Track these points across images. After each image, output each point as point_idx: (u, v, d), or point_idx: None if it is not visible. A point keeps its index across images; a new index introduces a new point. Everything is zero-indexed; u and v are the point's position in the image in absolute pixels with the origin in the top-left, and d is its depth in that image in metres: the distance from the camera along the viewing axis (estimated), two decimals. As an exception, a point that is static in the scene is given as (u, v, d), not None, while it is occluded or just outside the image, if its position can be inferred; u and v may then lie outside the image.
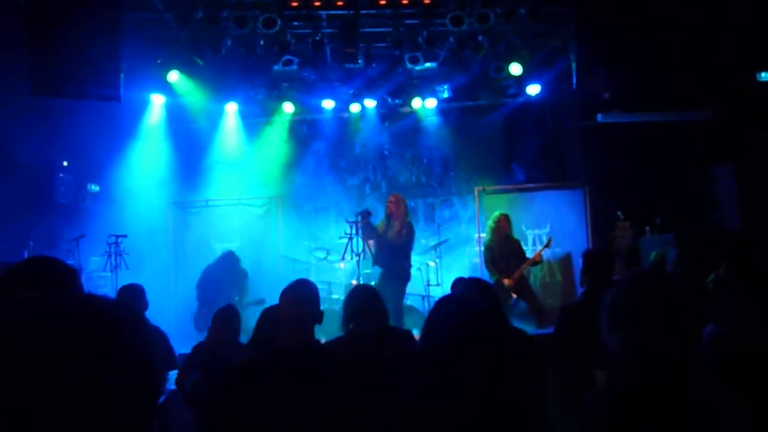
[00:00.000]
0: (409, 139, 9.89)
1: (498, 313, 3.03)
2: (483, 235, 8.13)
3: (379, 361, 3.09)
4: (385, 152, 10.00)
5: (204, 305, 7.31)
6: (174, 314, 7.94)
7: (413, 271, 8.08)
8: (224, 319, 3.87)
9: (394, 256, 6.51)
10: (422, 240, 9.11)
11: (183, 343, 5.55)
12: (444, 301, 2.15)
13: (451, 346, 1.88)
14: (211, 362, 3.62)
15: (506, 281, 6.84)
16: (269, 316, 3.47)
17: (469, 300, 2.18)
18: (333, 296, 7.57)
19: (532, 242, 8.22)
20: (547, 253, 8.06)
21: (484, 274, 7.70)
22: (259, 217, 8.86)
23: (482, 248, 7.22)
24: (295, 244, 8.76)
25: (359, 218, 6.48)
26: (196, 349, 3.98)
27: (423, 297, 7.79)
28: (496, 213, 7.21)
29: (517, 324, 6.82)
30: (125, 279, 5.90)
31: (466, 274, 7.07)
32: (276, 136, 9.63)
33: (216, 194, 8.98)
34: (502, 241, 6.98)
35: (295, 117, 9.56)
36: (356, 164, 10.04)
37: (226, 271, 7.45)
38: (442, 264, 8.37)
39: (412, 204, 9.79)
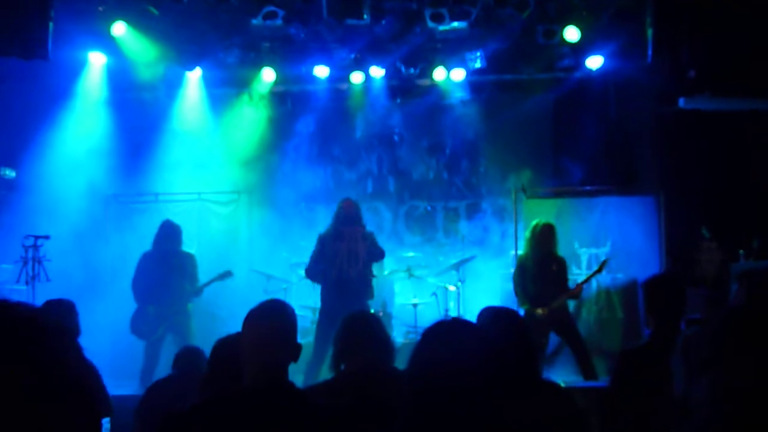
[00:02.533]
0: (428, 122, 9.89)
1: (524, 358, 2.97)
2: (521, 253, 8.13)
3: (378, 413, 3.04)
4: (395, 138, 10.02)
5: (143, 303, 7.43)
6: (110, 343, 7.97)
7: (429, 296, 8.14)
8: (187, 361, 4.05)
9: (360, 273, 6.67)
10: (440, 256, 9.11)
11: (123, 382, 5.58)
12: (437, 331, 2.12)
13: (437, 409, 1.90)
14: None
15: (540, 311, 6.82)
16: (228, 345, 3.47)
17: (479, 335, 2.13)
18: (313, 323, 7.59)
19: (586, 265, 8.20)
20: (605, 280, 7.99)
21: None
22: (225, 218, 8.92)
23: (515, 265, 7.24)
24: (270, 255, 8.80)
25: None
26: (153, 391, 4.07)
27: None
28: (538, 221, 7.21)
29: (555, 374, 6.90)
30: (45, 294, 5.92)
31: (498, 305, 7.05)
32: (251, 112, 9.66)
33: (169, 186, 9.04)
34: (542, 259, 6.98)
35: (277, 88, 9.59)
36: (356, 153, 10.05)
37: (166, 255, 7.52)
38: (466, 289, 8.38)
39: (428, 208, 9.79)
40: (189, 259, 7.61)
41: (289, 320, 2.57)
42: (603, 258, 7.91)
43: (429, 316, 8.15)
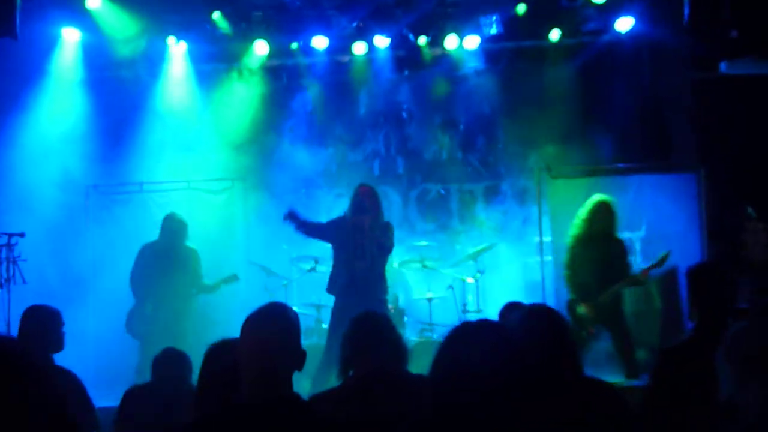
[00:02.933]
0: (440, 96, 9.86)
1: (557, 356, 2.99)
2: (546, 239, 8.10)
3: (389, 422, 3.06)
4: (404, 114, 10.02)
5: (142, 302, 7.56)
6: (93, 348, 8.02)
7: (445, 289, 8.14)
8: (167, 366, 4.11)
9: (371, 269, 6.65)
10: (456, 245, 9.09)
11: (107, 392, 5.60)
12: (467, 331, 2.17)
13: (457, 412, 1.97)
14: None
15: (583, 307, 6.80)
16: (223, 355, 3.48)
17: (505, 337, 2.15)
18: (323, 326, 7.66)
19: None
20: (641, 267, 8.00)
21: (549, 297, 7.70)
22: (217, 208, 8.91)
23: (566, 249, 7.15)
24: (269, 248, 8.81)
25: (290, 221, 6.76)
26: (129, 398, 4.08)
27: (456, 329, 7.83)
28: (597, 198, 7.10)
29: (595, 373, 6.80)
30: (21, 298, 5.96)
31: (521, 298, 7.06)
32: (242, 89, 9.63)
33: (155, 174, 9.03)
34: (597, 242, 6.92)
35: (272, 62, 9.58)
36: (360, 132, 10.05)
37: (169, 249, 7.64)
38: (486, 281, 8.38)
39: (442, 192, 9.78)
40: (192, 254, 7.74)
41: (291, 325, 2.58)
42: (637, 243, 7.90)
43: (445, 312, 8.20)
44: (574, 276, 6.93)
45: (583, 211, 7.06)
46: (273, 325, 2.54)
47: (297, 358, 2.53)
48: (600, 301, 6.82)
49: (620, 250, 7.03)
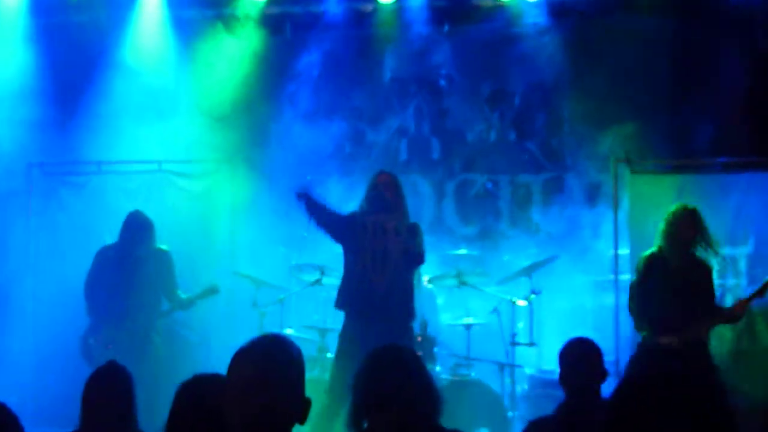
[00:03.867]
0: (489, 60, 9.83)
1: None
2: (624, 252, 8.01)
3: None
4: (441, 83, 10.02)
5: (101, 320, 7.48)
6: (33, 374, 8.02)
7: (488, 313, 8.08)
8: (103, 391, 4.05)
9: (393, 284, 6.56)
10: (505, 256, 9.02)
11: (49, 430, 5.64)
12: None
13: None
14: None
15: (666, 339, 6.67)
16: (199, 400, 3.46)
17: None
18: (329, 355, 7.63)
19: (718, 271, 8.03)
20: (743, 295, 7.90)
21: (624, 326, 7.64)
22: (196, 197, 8.95)
23: (634, 271, 7.10)
24: (260, 251, 8.83)
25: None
26: None
27: (501, 366, 7.82)
28: (677, 206, 6.99)
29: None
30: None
31: (588, 328, 6.96)
32: (232, 45, 9.67)
33: (117, 151, 9.06)
34: (677, 262, 6.83)
35: (270, 9, 9.62)
36: (384, 103, 10.06)
37: (132, 254, 7.57)
38: (542, 305, 8.31)
39: (489, 185, 9.71)
40: (163, 259, 7.65)
41: (292, 367, 2.62)
42: (743, 261, 7.80)
43: (487, 342, 8.16)
44: (642, 311, 6.81)
45: (663, 224, 6.94)
46: (269, 367, 2.55)
47: (299, 408, 2.58)
48: (688, 336, 6.67)
49: (706, 275, 6.91)
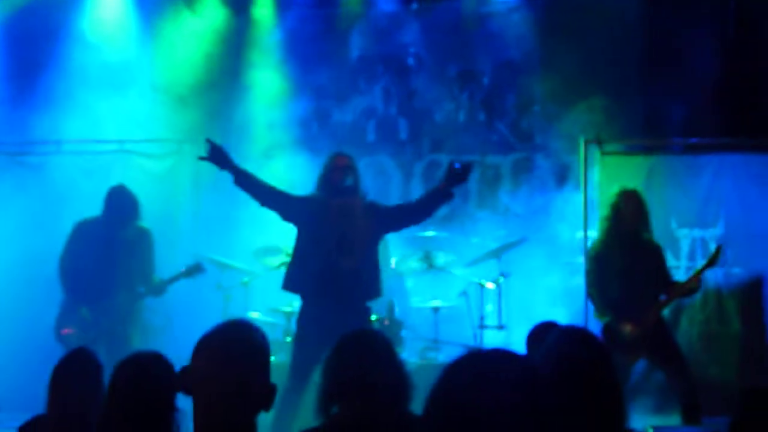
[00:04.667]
0: (458, 39, 9.85)
1: (606, 405, 2.97)
2: (593, 233, 8.05)
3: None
4: (410, 61, 10.02)
5: (77, 299, 7.37)
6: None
7: (456, 296, 8.07)
8: (72, 377, 4.06)
9: (360, 265, 6.53)
10: (474, 238, 9.01)
11: (12, 415, 5.59)
12: (465, 367, 2.02)
13: None
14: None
15: (629, 327, 6.78)
16: (132, 369, 3.52)
17: (528, 377, 2.02)
18: (288, 339, 7.64)
19: (688, 253, 8.20)
20: (715, 277, 7.94)
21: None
22: (159, 178, 8.91)
23: (586, 258, 7.28)
24: (225, 233, 8.79)
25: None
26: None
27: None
28: (619, 188, 7.19)
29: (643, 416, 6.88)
30: None
31: (558, 310, 6.98)
32: (195, 23, 9.62)
33: (77, 131, 8.98)
34: (626, 245, 6.98)
35: (237, -15, 9.60)
36: (351, 82, 10.07)
37: (115, 230, 7.45)
38: (511, 287, 8.35)
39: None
40: (144, 237, 7.56)
41: (257, 353, 2.63)
42: (713, 243, 7.84)
43: (456, 325, 8.27)
44: (602, 294, 6.95)
45: (608, 208, 7.15)
46: (234, 353, 2.57)
47: (264, 394, 2.59)
48: (647, 320, 6.84)
49: (657, 253, 7.14)
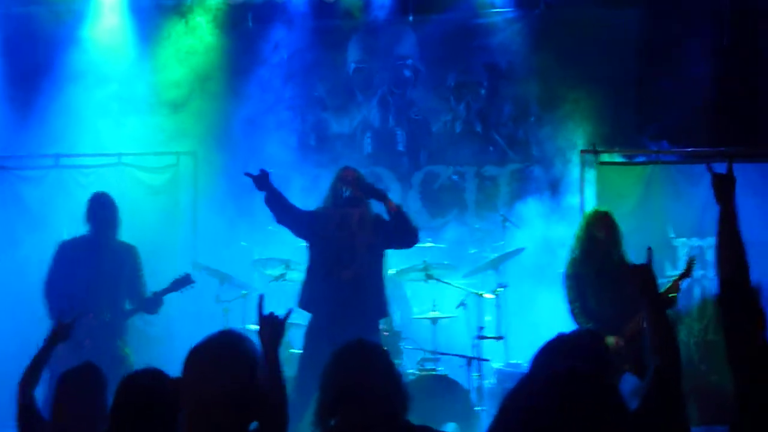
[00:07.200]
0: (455, 50, 9.86)
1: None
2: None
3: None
4: (407, 73, 10.01)
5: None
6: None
7: (455, 307, 8.09)
8: (76, 391, 4.05)
9: (362, 278, 6.57)
10: (472, 249, 9.06)
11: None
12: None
13: None
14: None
15: (611, 339, 6.76)
16: (136, 387, 3.50)
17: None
18: (292, 351, 7.60)
19: (685, 261, 8.14)
20: (712, 286, 7.96)
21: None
22: (157, 191, 8.91)
23: (564, 276, 7.23)
24: (223, 245, 8.80)
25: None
26: None
27: (468, 361, 7.80)
28: (591, 211, 7.32)
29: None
30: None
31: (557, 321, 6.99)
32: (194, 35, 9.63)
33: (75, 145, 9.01)
34: (600, 265, 7.02)
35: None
36: (348, 95, 10.06)
37: (98, 247, 7.34)
38: (510, 298, 8.35)
39: (455, 177, 9.74)
40: (130, 254, 7.44)
41: (248, 364, 2.69)
42: (708, 253, 7.92)
43: (454, 336, 8.24)
44: (583, 310, 6.96)
45: (578, 228, 7.21)
46: (224, 364, 2.63)
47: (256, 405, 2.65)
48: (628, 332, 6.83)
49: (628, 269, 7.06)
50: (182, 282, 7.35)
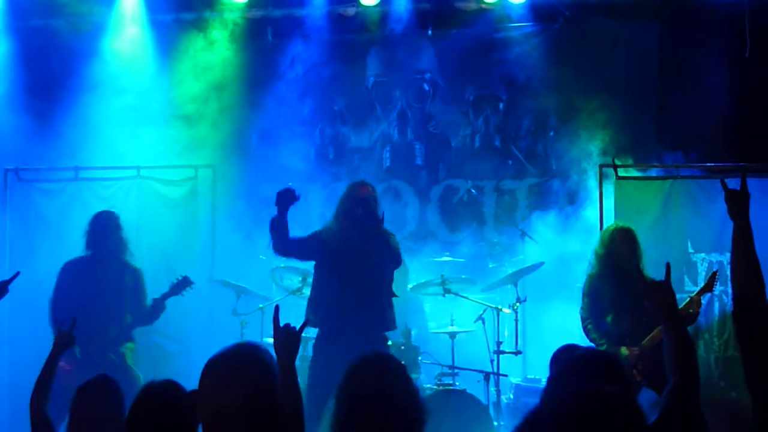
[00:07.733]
0: (474, 64, 9.87)
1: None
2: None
3: None
4: (426, 87, 10.01)
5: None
6: (8, 393, 8.04)
7: (473, 322, 8.06)
8: (93, 404, 4.03)
9: (368, 295, 6.58)
10: (490, 263, 9.05)
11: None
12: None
13: None
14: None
15: (625, 350, 6.83)
16: (155, 398, 3.50)
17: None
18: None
19: (705, 277, 8.09)
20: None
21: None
22: (175, 204, 8.89)
23: (581, 294, 7.25)
24: (241, 258, 8.81)
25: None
26: None
27: (486, 375, 7.81)
28: (612, 226, 7.32)
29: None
30: None
31: (576, 335, 6.96)
32: (213, 49, 9.64)
33: (95, 158, 9.01)
34: (620, 281, 7.01)
35: (252, 12, 9.61)
36: (367, 108, 10.08)
37: (102, 267, 7.36)
38: (528, 313, 8.34)
39: (474, 191, 9.74)
40: (135, 276, 7.45)
41: (265, 378, 2.69)
42: (729, 269, 7.82)
43: (472, 351, 8.14)
44: (597, 327, 7.01)
45: (598, 244, 7.23)
46: (241, 377, 2.62)
47: (272, 416, 2.64)
48: (645, 346, 6.83)
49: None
50: (181, 285, 7.34)
